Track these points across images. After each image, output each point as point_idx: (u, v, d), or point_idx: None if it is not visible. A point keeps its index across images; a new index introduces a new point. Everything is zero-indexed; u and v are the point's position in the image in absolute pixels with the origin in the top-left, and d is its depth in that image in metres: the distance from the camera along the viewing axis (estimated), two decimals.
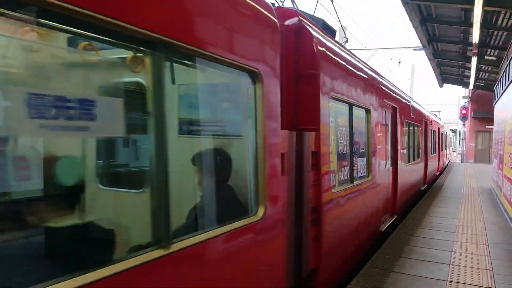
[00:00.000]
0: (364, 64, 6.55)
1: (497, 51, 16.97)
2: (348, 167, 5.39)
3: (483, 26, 12.52)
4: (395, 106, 8.25)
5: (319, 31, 4.54)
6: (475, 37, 12.74)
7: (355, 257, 5.72)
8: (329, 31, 5.30)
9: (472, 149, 32.82)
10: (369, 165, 6.31)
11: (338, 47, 5.18)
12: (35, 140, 2.11)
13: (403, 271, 5.31)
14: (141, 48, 2.03)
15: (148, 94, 1.98)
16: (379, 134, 6.93)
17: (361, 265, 5.64)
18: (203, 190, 2.96)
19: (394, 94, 8.44)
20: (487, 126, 28.67)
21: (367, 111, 6.22)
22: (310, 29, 4.10)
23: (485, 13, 11.99)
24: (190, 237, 2.24)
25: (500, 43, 15.89)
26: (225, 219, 2.67)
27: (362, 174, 6.01)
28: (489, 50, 17.45)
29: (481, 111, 30.37)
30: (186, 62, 2.53)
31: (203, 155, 3.09)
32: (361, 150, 6.01)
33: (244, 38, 2.84)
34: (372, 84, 6.51)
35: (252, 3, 3.02)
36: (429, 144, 13.95)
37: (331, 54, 4.57)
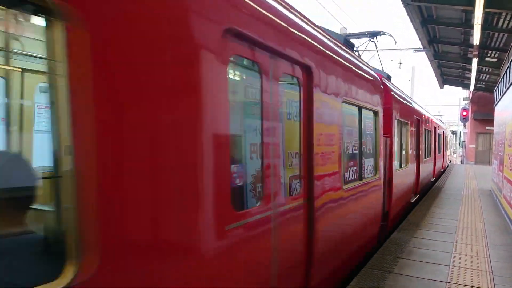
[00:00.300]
0: (405, 94, 10.26)
1: (498, 52, 16.97)
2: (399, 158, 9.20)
3: (483, 27, 12.51)
4: (419, 118, 11.46)
5: (388, 81, 8.46)
6: (476, 38, 12.74)
7: (402, 210, 9.57)
8: (389, 78, 9.07)
9: (473, 150, 32.82)
10: (406, 158, 9.83)
11: (396, 88, 9.04)
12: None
13: (403, 272, 5.32)
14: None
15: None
16: (412, 138, 10.31)
17: (404, 217, 9.45)
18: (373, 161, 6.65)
19: (419, 110, 11.82)
20: (487, 128, 28.68)
21: (406, 124, 9.67)
22: (386, 82, 8.04)
23: (485, 15, 11.99)
24: (365, 178, 6.00)
25: (501, 44, 15.89)
26: (372, 175, 6.50)
27: (404, 164, 9.62)
28: (490, 52, 17.45)
29: (481, 112, 30.37)
30: (364, 110, 6.01)
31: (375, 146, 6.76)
32: (403, 148, 9.60)
33: (375, 97, 6.50)
34: (409, 106, 10.11)
35: (378, 83, 6.85)
36: (437, 145, 17.37)
37: (395, 95, 8.38)
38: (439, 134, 18.95)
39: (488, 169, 18.99)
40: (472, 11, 10.87)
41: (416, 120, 11.03)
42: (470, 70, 19.51)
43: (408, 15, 14.11)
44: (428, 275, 5.24)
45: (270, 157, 3.22)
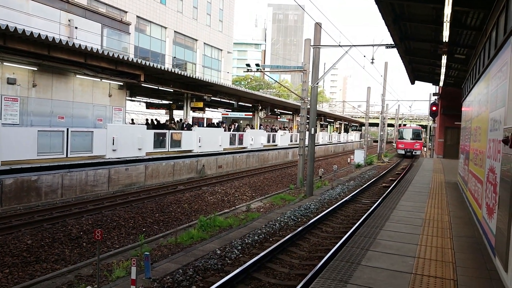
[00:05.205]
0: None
1: (466, 49, 17.42)
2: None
3: (453, 25, 12.81)
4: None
5: None
6: (445, 35, 13.01)
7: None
8: None
9: (442, 144, 33.78)
10: None
11: None
12: None
13: (370, 264, 5.43)
14: None
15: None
16: None
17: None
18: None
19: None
20: (455, 123, 29.51)
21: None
22: None
23: (454, 13, 12.28)
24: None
25: (469, 41, 16.32)
26: None
27: None
28: (459, 49, 17.90)
29: (450, 108, 31.26)
30: None
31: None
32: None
33: None
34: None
35: None
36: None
37: None
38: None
39: (456, 162, 19.58)
40: (442, 9, 11.10)
41: None
42: (440, 66, 19.96)
43: (380, 12, 14.26)
44: (394, 267, 5.37)
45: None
